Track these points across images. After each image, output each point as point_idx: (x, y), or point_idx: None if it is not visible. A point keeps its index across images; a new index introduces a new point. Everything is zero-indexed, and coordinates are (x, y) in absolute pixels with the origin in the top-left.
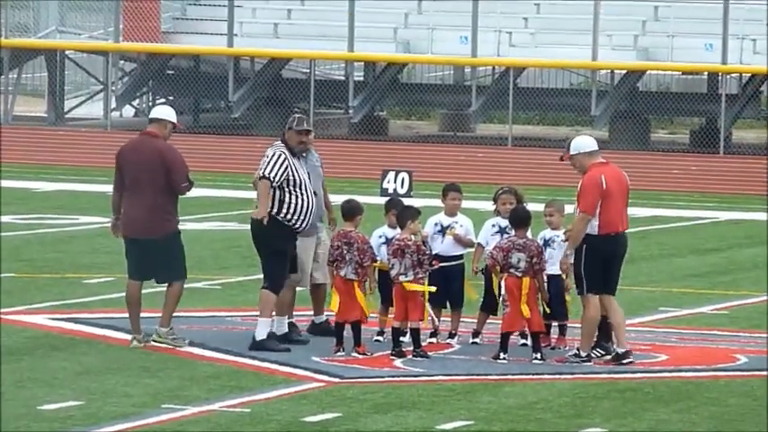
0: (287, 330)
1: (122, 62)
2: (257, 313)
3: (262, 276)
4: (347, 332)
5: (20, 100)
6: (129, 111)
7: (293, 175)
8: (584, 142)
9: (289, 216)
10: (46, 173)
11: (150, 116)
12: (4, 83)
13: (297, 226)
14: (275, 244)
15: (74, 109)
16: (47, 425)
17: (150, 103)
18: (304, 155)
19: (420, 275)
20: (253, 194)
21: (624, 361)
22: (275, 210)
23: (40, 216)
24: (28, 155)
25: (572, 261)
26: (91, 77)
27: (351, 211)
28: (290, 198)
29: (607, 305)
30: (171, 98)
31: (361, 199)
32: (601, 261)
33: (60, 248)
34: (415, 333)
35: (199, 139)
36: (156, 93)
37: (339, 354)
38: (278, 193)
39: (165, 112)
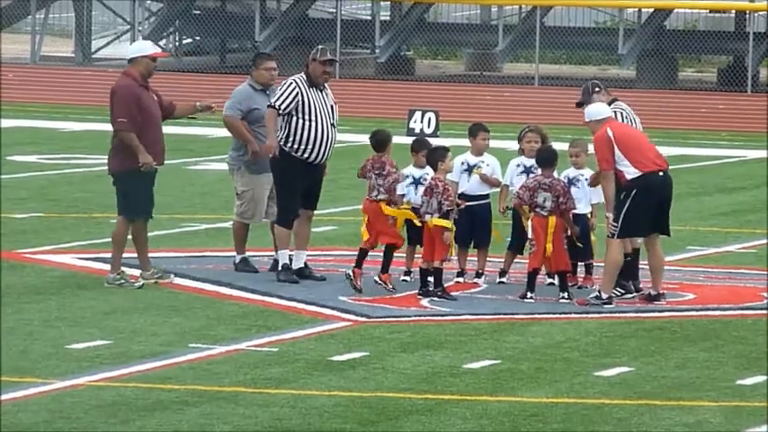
0: (302, 266)
1: (149, 2)
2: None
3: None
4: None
5: (47, 40)
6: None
7: (304, 103)
8: (595, 110)
9: (296, 146)
10: (73, 113)
11: None
12: (32, 23)
13: (306, 157)
14: (282, 176)
15: (101, 49)
16: (75, 364)
17: (177, 43)
18: (324, 87)
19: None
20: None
21: (655, 303)
22: (283, 140)
23: (67, 156)
24: (55, 95)
25: (614, 223)
26: (118, 17)
27: (380, 142)
28: (299, 125)
29: (650, 246)
30: (197, 38)
31: None
32: (650, 202)
33: (88, 188)
34: (437, 273)
35: (225, 78)
36: (182, 33)
37: (349, 274)
38: (286, 121)
39: (135, 49)
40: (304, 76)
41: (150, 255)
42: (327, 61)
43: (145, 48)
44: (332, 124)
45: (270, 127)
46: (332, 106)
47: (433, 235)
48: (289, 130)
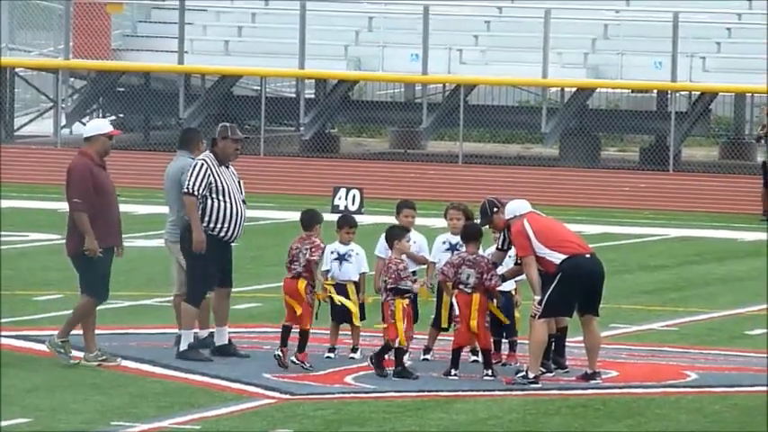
0: (226, 342)
1: (72, 79)
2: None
3: (210, 293)
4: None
5: None
6: (79, 128)
7: (216, 183)
8: (514, 207)
9: (212, 225)
10: None
11: None
12: None
13: (222, 235)
14: (197, 255)
15: (24, 126)
16: None
17: None
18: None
19: (390, 298)
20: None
21: (591, 381)
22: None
23: None
24: None
25: (539, 305)
26: (41, 95)
27: (309, 221)
28: (214, 205)
29: (586, 325)
30: (121, 115)
31: None
32: (577, 282)
33: (10, 265)
34: (392, 352)
35: (150, 156)
36: (106, 110)
37: (279, 354)
38: (200, 201)
39: (91, 128)
40: (212, 155)
41: (72, 333)
42: (240, 139)
43: (101, 126)
44: (243, 201)
45: (194, 219)
46: (239, 182)
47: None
48: (203, 210)
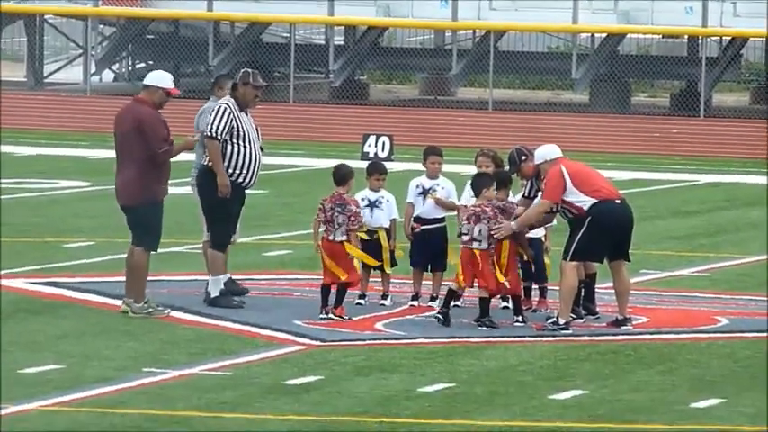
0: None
1: (102, 26)
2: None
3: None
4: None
5: None
6: (108, 75)
7: (238, 127)
8: (546, 151)
9: (231, 171)
10: (25, 137)
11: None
12: None
13: (242, 181)
14: (218, 200)
15: (53, 73)
16: (27, 389)
17: (130, 68)
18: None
19: (493, 245)
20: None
21: (622, 327)
22: None
23: (19, 180)
24: (7, 119)
25: (505, 233)
26: (70, 42)
27: (343, 177)
28: (234, 150)
29: (615, 271)
30: (151, 62)
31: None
32: (607, 228)
33: (40, 213)
34: (483, 303)
35: (179, 103)
36: (135, 57)
37: (324, 316)
38: (222, 146)
39: (154, 77)
40: (232, 100)
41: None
42: (261, 86)
43: (163, 79)
44: (261, 148)
45: (218, 163)
46: (257, 128)
47: (479, 261)
48: (223, 155)
